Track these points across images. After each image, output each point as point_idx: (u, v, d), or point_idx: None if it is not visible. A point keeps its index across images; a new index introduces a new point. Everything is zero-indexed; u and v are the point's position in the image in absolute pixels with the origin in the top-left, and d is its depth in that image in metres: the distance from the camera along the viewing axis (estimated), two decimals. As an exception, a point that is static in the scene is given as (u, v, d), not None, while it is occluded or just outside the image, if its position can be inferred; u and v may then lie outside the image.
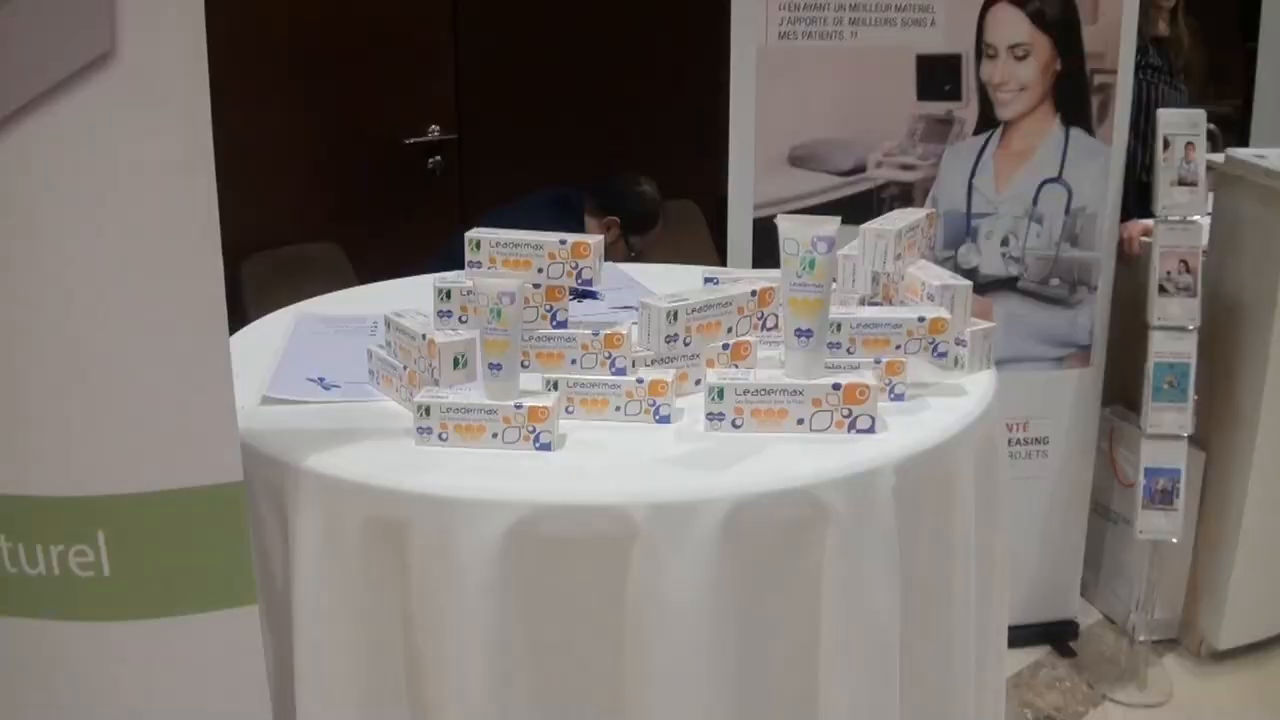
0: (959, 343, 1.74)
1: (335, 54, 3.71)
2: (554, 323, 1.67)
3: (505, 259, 1.68)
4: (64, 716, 1.32)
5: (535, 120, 4.15)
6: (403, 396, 1.62)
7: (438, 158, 4.00)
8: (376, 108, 3.83)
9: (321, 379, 1.72)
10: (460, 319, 1.67)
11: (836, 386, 1.59)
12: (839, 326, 1.67)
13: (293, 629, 1.43)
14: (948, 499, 1.55)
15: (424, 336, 1.65)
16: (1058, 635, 3.14)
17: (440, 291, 1.70)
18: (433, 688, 1.40)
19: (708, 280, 1.86)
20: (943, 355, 1.66)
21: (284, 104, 3.63)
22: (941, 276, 1.75)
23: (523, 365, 1.64)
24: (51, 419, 1.26)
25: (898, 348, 1.66)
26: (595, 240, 1.64)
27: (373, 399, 1.66)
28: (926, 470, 1.54)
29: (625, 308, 1.89)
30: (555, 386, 1.63)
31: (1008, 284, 2.88)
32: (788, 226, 1.58)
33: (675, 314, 1.64)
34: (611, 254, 3.18)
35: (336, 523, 1.42)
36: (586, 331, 1.64)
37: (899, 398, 1.68)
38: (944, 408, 1.65)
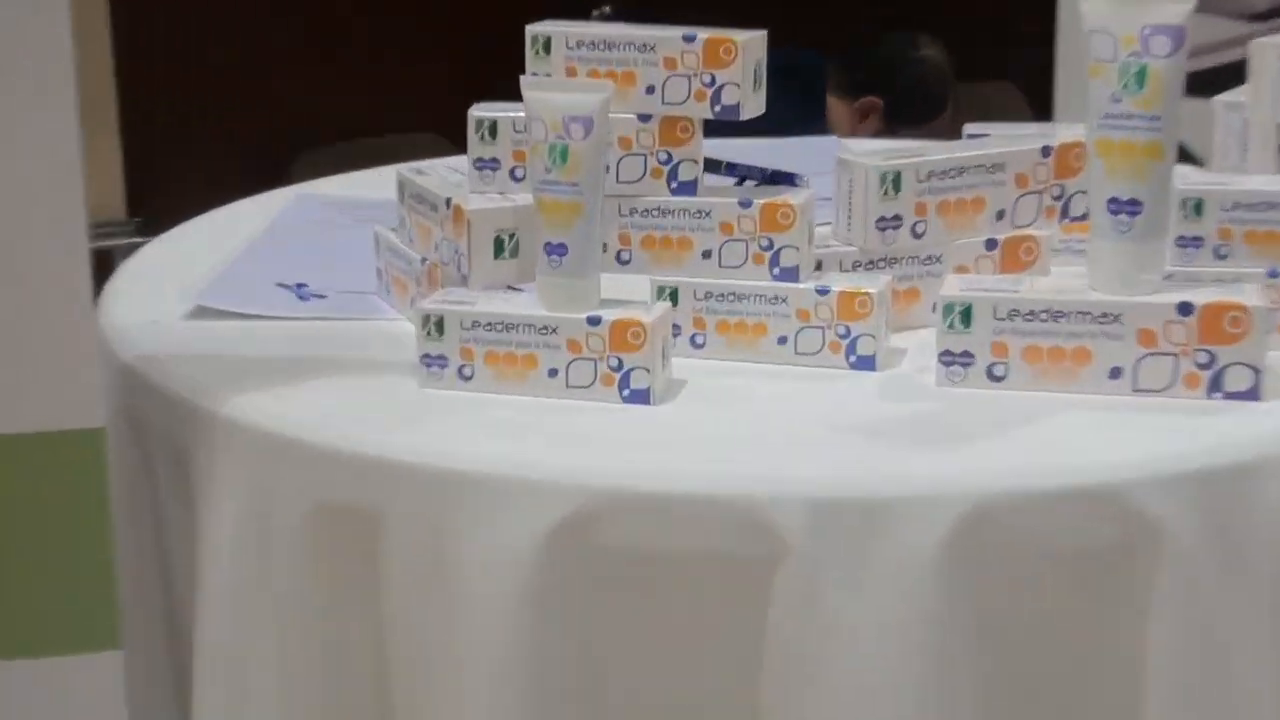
0: None
1: None
2: (673, 184, 1.29)
3: (592, 70, 1.31)
4: None
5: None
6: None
7: (605, 8, 3.70)
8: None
9: (300, 285, 1.50)
10: (515, 176, 1.34)
11: (1186, 309, 1.20)
12: (1197, 205, 1.30)
13: (194, 664, 1.30)
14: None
15: (448, 202, 1.32)
16: None
17: (481, 126, 1.34)
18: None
19: (973, 138, 1.49)
20: None
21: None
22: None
23: (618, 258, 1.32)
24: None
25: None
26: (748, 38, 1.29)
27: (376, 316, 1.43)
28: None
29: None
30: (672, 296, 1.30)
31: None
32: (1094, 6, 1.20)
33: (897, 178, 1.30)
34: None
35: (267, 508, 1.25)
36: (729, 201, 1.29)
37: None
38: None
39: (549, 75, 1.29)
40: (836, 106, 3.22)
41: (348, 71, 3.54)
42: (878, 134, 3.16)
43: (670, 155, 1.29)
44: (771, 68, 3.62)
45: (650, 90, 1.29)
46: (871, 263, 1.32)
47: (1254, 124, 1.47)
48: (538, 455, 1.15)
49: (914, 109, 3.22)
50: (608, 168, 1.26)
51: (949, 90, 3.25)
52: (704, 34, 1.27)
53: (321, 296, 1.45)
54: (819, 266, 1.31)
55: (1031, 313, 1.21)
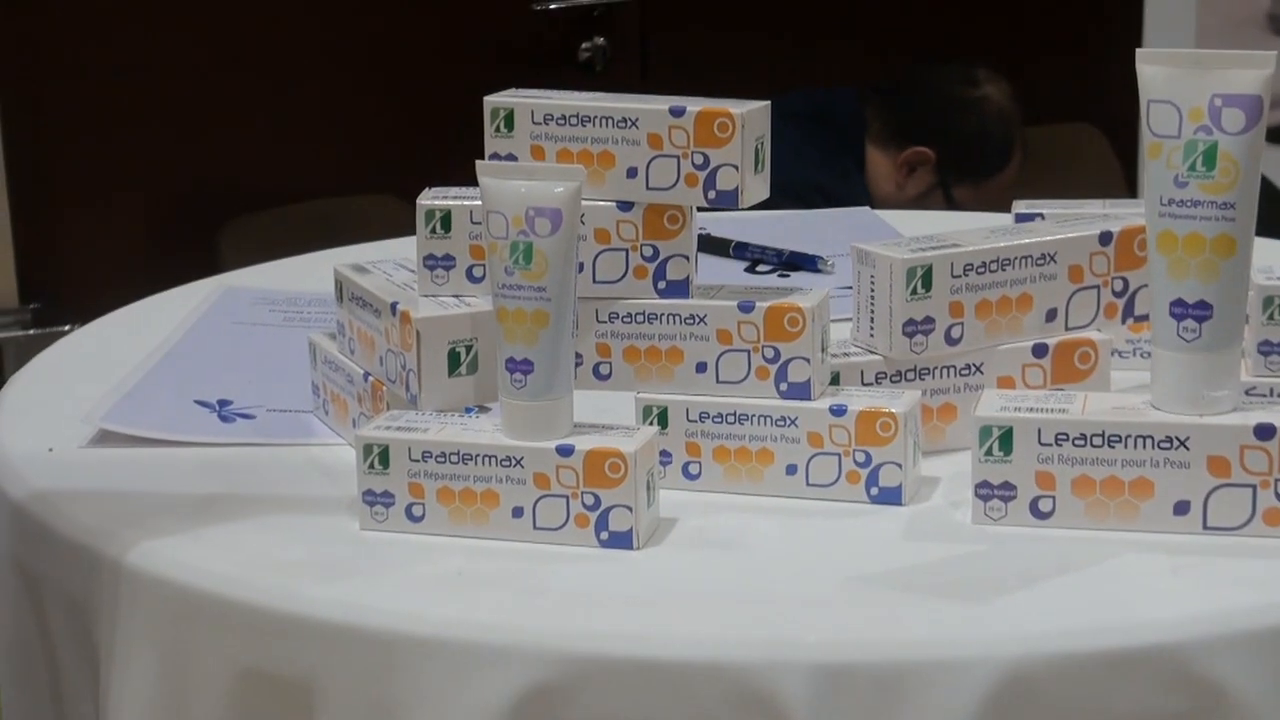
0: None
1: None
2: (660, 285, 1.33)
3: (563, 149, 1.36)
4: None
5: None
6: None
7: (599, 40, 3.74)
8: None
9: (223, 403, 1.56)
10: (472, 275, 1.39)
11: (1266, 432, 1.25)
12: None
13: None
14: None
15: (394, 308, 1.36)
16: None
17: (432, 219, 1.39)
18: None
19: (1022, 219, 1.56)
20: None
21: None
22: None
23: (596, 372, 1.37)
24: None
25: None
26: (748, 111, 1.33)
27: (312, 441, 1.48)
28: None
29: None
30: (660, 418, 1.36)
31: None
32: (1154, 73, 1.25)
33: (928, 273, 1.34)
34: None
35: (183, 675, 1.28)
36: (728, 304, 1.33)
37: None
38: None
39: (512, 156, 1.35)
40: (878, 159, 3.21)
41: (282, 124, 3.59)
42: (928, 191, 3.21)
43: (656, 250, 1.33)
44: (801, 110, 3.66)
45: (632, 173, 1.33)
46: (899, 374, 1.37)
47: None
48: (498, 614, 1.18)
49: (972, 161, 3.24)
50: (581, 267, 1.32)
51: (1015, 137, 3.26)
52: (695, 106, 1.31)
53: (248, 416, 1.50)
54: (836, 380, 1.35)
55: (1083, 436, 1.25)
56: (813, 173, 3.09)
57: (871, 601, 1.19)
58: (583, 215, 1.31)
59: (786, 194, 2.82)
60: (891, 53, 3.65)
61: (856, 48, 3.76)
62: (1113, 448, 1.25)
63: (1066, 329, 1.40)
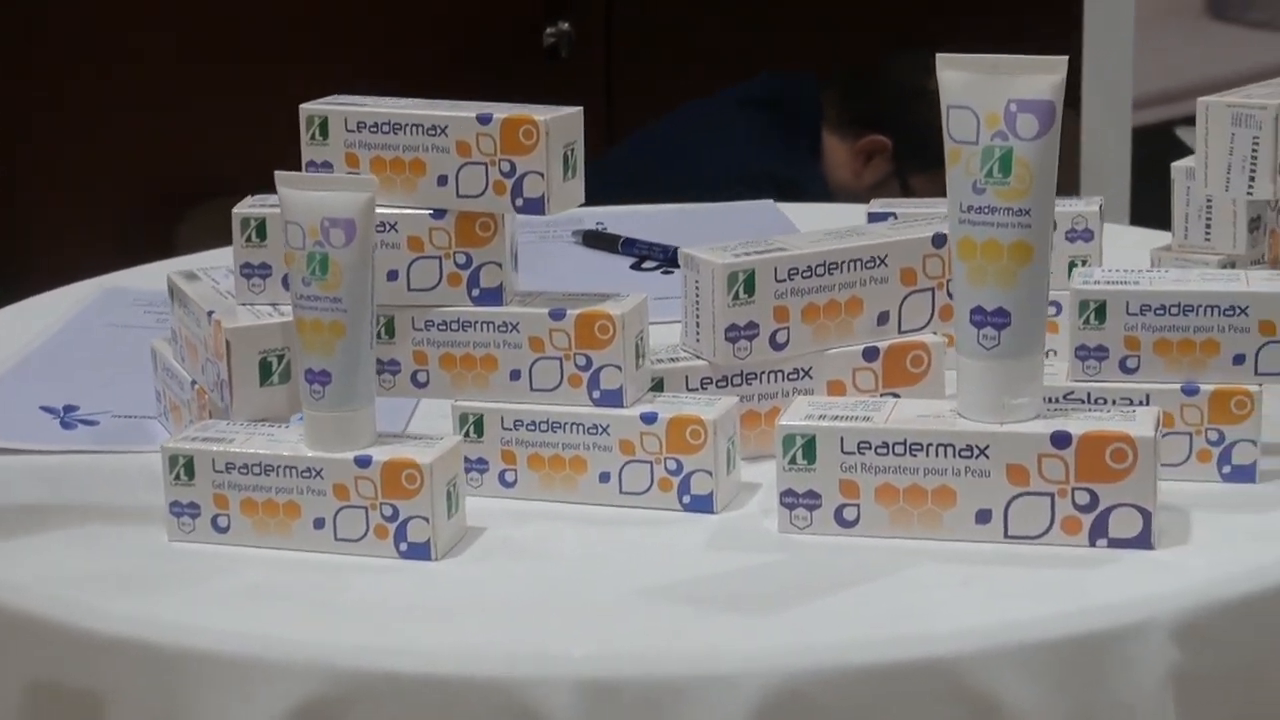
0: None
1: None
2: (474, 292, 1.34)
3: (376, 157, 1.35)
4: None
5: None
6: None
7: (563, 25, 3.74)
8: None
9: (69, 409, 1.55)
10: (288, 285, 1.35)
11: (1062, 440, 1.23)
12: (1099, 310, 1.33)
13: None
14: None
15: (210, 316, 1.36)
16: None
17: (248, 226, 1.40)
18: None
19: (875, 218, 1.56)
20: None
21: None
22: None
23: (414, 379, 1.37)
24: None
25: (1237, 360, 1.28)
26: (554, 117, 1.32)
27: (150, 449, 1.43)
28: (1269, 639, 1.20)
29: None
30: (476, 425, 1.35)
31: None
32: (953, 78, 1.25)
33: (750, 278, 1.33)
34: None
35: None
36: (539, 311, 1.33)
37: (1242, 473, 1.33)
38: None
39: (328, 164, 1.34)
40: (834, 147, 3.17)
41: (234, 110, 3.59)
42: (884, 180, 3.16)
43: (470, 257, 1.32)
44: (757, 97, 3.64)
45: (443, 181, 1.32)
46: (724, 379, 1.36)
47: (1214, 198, 1.52)
48: (283, 627, 1.17)
49: (929, 151, 3.22)
50: (395, 274, 1.31)
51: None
52: (501, 113, 1.30)
53: (91, 423, 1.50)
54: (659, 386, 1.35)
55: (885, 445, 1.23)
56: (768, 160, 3.07)
57: (655, 613, 1.18)
58: (395, 224, 1.31)
59: (742, 182, 2.82)
60: (860, 39, 3.62)
61: (825, 34, 3.74)
62: (914, 456, 1.24)
63: (900, 332, 1.39)
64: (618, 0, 3.85)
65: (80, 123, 3.33)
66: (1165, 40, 2.66)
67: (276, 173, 1.26)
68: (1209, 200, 1.52)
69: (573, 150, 1.31)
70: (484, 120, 1.30)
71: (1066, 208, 1.50)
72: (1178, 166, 1.53)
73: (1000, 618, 1.15)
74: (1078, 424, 1.22)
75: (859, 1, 3.93)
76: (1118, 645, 1.14)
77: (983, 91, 1.21)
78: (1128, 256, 1.57)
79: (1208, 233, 1.53)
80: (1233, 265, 1.52)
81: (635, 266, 1.85)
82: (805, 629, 1.15)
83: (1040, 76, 1.20)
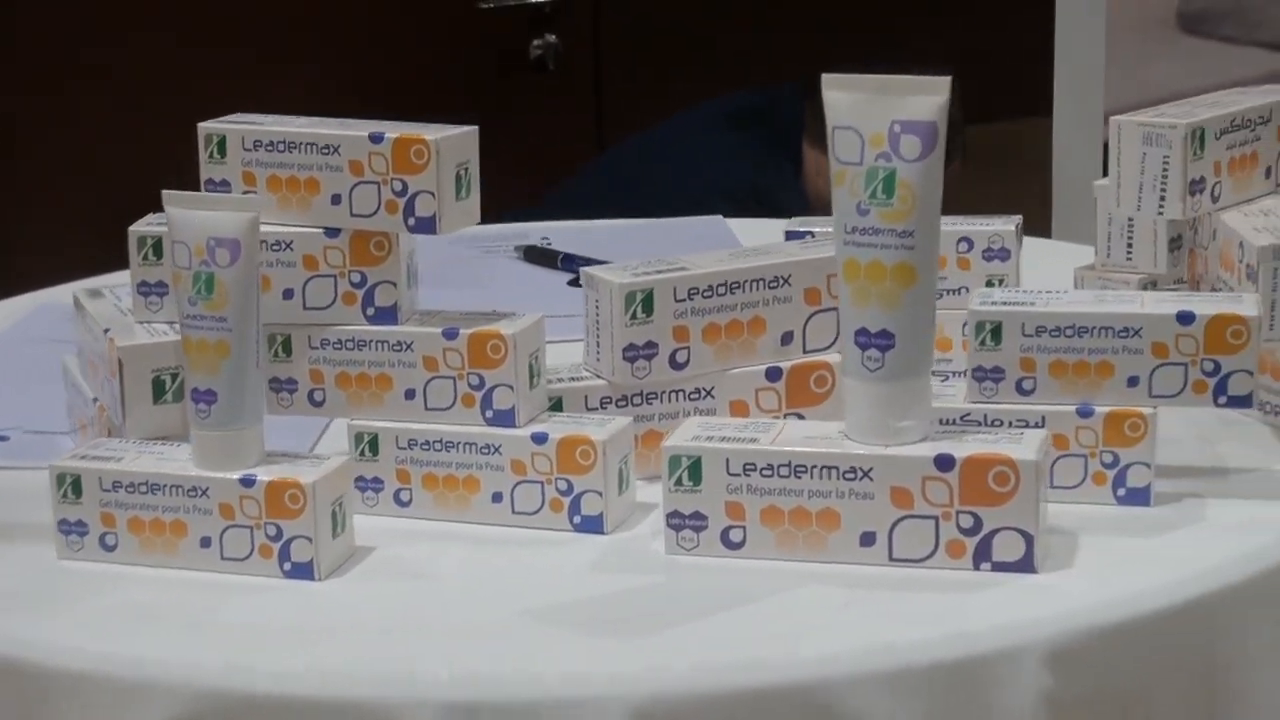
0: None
1: None
2: (369, 311, 1.34)
3: (272, 175, 1.35)
4: None
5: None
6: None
7: (550, 37, 3.72)
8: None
9: None
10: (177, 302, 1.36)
11: (945, 463, 1.22)
12: (995, 331, 1.31)
13: None
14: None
15: (106, 333, 1.37)
16: None
17: (144, 245, 1.40)
18: None
19: (792, 235, 1.55)
20: (1239, 401, 1.31)
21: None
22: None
23: (311, 398, 1.37)
24: None
25: (1131, 382, 1.28)
26: (445, 137, 1.31)
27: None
28: (1146, 665, 1.19)
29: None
30: (371, 444, 1.35)
31: None
32: (838, 98, 1.24)
33: (648, 297, 1.34)
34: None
35: None
36: (433, 331, 1.32)
37: (1137, 496, 1.31)
38: (1238, 523, 1.30)
39: (226, 182, 1.34)
40: (814, 160, 3.14)
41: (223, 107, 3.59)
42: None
43: (364, 276, 1.32)
44: (735, 113, 3.62)
45: (336, 200, 1.32)
46: (624, 399, 1.35)
47: (1135, 218, 1.51)
48: (155, 648, 1.16)
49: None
50: (291, 293, 1.31)
51: (958, 137, 3.21)
52: (394, 132, 1.29)
53: (3, 439, 1.50)
54: (558, 405, 1.34)
55: (770, 466, 1.23)
56: (749, 174, 3.06)
57: (529, 635, 1.17)
58: (290, 242, 1.31)
59: (723, 196, 2.81)
60: (851, 51, 3.59)
61: (816, 42, 3.72)
62: (799, 478, 1.23)
63: (804, 352, 1.38)
64: (605, 12, 3.85)
65: (60, 130, 3.33)
66: (1137, 53, 2.65)
67: (164, 192, 1.26)
68: (1130, 219, 1.51)
69: (466, 170, 1.31)
70: (376, 139, 1.29)
71: (983, 226, 1.49)
72: (1100, 185, 1.52)
73: (873, 641, 1.14)
74: (963, 447, 1.21)
75: (850, 12, 3.94)
76: (990, 670, 1.13)
77: (867, 112, 1.20)
78: (1059, 274, 1.57)
79: (1129, 252, 1.52)
80: (1154, 285, 1.51)
81: (573, 283, 1.85)
82: (677, 652, 1.14)
83: (924, 97, 1.19)
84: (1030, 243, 1.61)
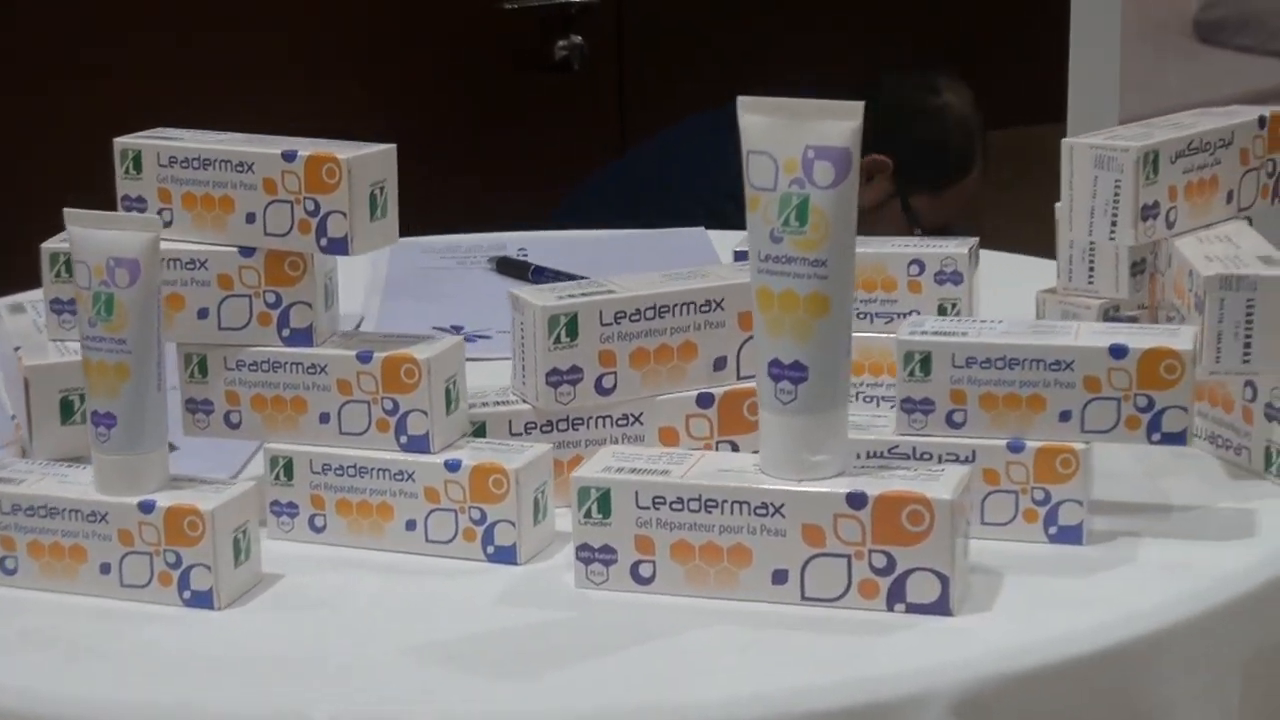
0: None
1: None
2: (285, 332, 1.31)
3: (187, 193, 1.32)
4: None
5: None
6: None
7: (576, 38, 3.66)
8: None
9: None
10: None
11: (857, 501, 1.19)
12: (924, 361, 1.28)
13: None
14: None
15: (16, 350, 1.35)
16: None
17: (56, 262, 1.37)
18: None
19: (740, 256, 1.51)
20: (1173, 438, 1.27)
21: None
22: (1245, 255, 1.38)
23: (227, 420, 1.34)
24: None
25: (1063, 416, 1.24)
26: (356, 156, 1.28)
27: None
28: (1063, 713, 1.15)
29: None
30: (286, 469, 1.33)
31: None
32: (752, 122, 1.21)
33: (573, 321, 1.31)
34: (875, 227, 2.76)
35: None
36: (347, 354, 1.30)
37: (1069, 534, 1.27)
38: (1171, 564, 1.26)
39: (141, 199, 1.31)
40: None
41: (251, 128, 3.58)
42: (885, 200, 3.12)
43: (279, 297, 1.29)
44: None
45: (251, 219, 1.29)
46: (550, 424, 1.32)
47: (1096, 243, 1.46)
48: (38, 678, 1.13)
49: (931, 170, 3.15)
50: (206, 312, 1.28)
51: (976, 144, 3.17)
52: (305, 150, 1.27)
53: (-66, 450, 1.48)
54: (480, 431, 1.31)
55: (680, 500, 1.19)
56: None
57: (418, 671, 1.13)
58: (205, 261, 1.28)
59: (733, 202, 2.77)
60: (870, 52, 3.58)
61: (839, 44, 3.69)
62: (710, 513, 1.19)
63: (739, 378, 1.34)
64: (629, 12, 3.83)
65: (60, 130, 3.32)
66: (1153, 62, 2.60)
67: (66, 210, 1.23)
68: (1092, 243, 1.47)
69: (382, 189, 1.27)
70: (289, 158, 1.26)
71: (935, 248, 1.45)
72: (1060, 207, 1.47)
73: (779, 686, 1.10)
74: (878, 484, 1.17)
75: (871, 17, 3.91)
76: (897, 716, 1.09)
77: (781, 136, 1.16)
78: (1023, 297, 1.53)
79: (1090, 276, 1.48)
80: (1116, 309, 1.47)
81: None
82: (577, 694, 1.10)
83: (837, 122, 1.16)
84: (1025, 262, 1.57)
